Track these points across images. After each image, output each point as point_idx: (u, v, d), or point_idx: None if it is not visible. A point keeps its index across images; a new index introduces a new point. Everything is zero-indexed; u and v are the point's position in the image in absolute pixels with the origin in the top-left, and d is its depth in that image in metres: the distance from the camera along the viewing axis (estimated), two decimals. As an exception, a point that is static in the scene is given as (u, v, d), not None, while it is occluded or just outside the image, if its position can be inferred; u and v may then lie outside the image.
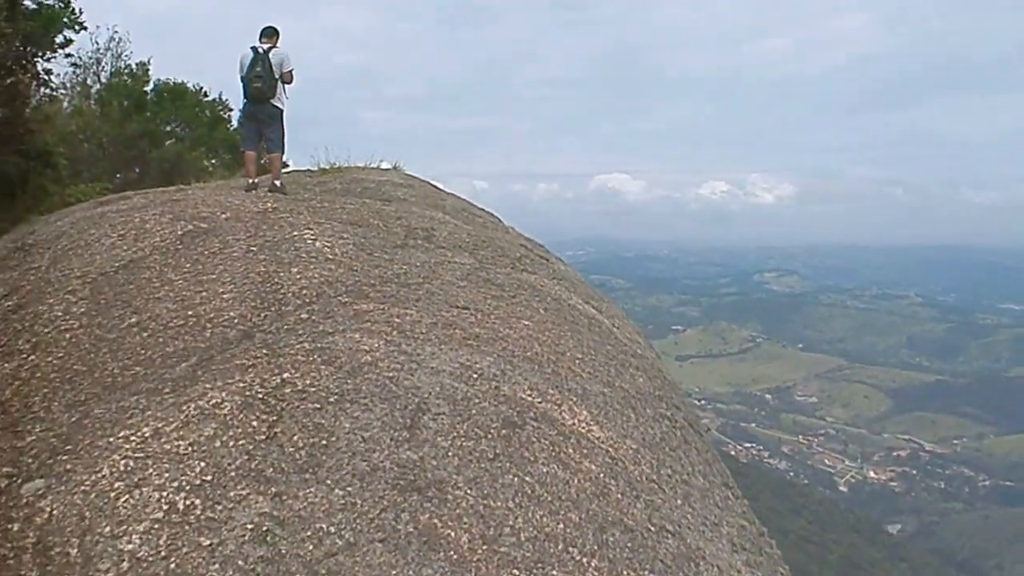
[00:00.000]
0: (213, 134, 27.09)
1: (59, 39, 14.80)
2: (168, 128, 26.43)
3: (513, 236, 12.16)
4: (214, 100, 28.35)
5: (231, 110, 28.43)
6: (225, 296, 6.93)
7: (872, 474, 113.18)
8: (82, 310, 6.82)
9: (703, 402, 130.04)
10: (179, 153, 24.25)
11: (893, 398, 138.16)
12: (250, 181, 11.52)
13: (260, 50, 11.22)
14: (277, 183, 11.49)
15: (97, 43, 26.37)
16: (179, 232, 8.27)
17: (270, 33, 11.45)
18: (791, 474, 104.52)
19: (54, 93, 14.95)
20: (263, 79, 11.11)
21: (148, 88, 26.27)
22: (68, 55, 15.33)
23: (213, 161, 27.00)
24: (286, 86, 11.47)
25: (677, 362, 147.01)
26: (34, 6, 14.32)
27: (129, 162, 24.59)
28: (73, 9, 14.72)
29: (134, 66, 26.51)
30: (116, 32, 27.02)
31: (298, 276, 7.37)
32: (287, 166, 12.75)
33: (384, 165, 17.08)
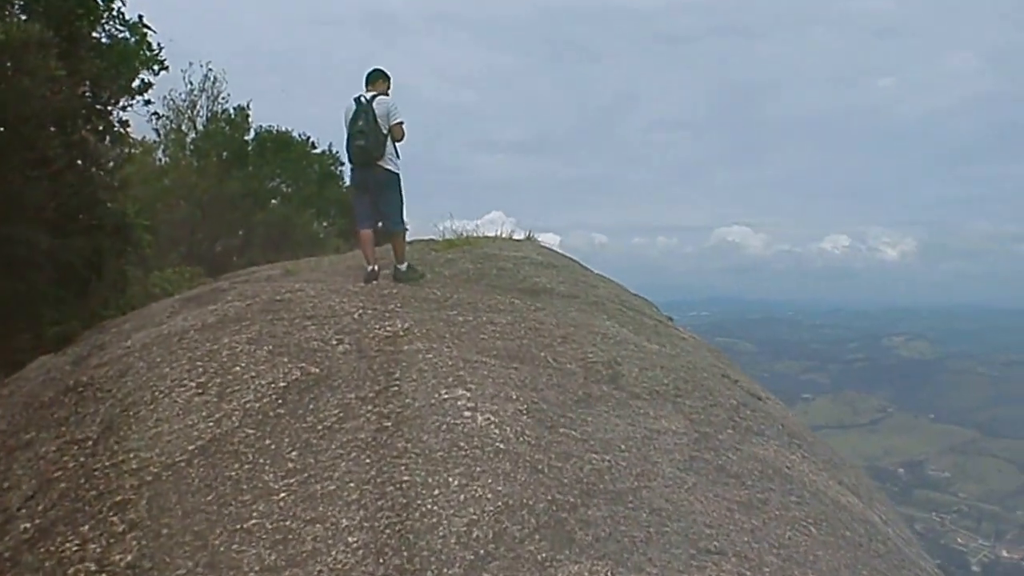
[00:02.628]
0: (323, 193, 24.39)
1: (135, 82, 11.80)
2: (272, 185, 23.67)
3: (695, 347, 9.77)
4: (323, 152, 25.54)
5: (343, 164, 25.67)
6: (351, 541, 4.13)
7: (1005, 553, 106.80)
8: (128, 556, 4.16)
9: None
10: (286, 216, 21.51)
11: None
12: (369, 269, 9.58)
13: (364, 100, 9.26)
14: (402, 267, 9.69)
15: (191, 83, 23.70)
16: (280, 383, 5.69)
17: (375, 78, 9.58)
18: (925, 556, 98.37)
19: (132, 150, 11.51)
20: (366, 135, 9.12)
21: (248, 137, 23.57)
22: (147, 102, 12.26)
23: (324, 224, 24.28)
24: (396, 144, 9.44)
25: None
26: (105, 40, 11.36)
27: (231, 225, 22.03)
28: (150, 43, 11.69)
29: (232, 111, 23.72)
30: (211, 70, 24.12)
31: (462, 498, 4.44)
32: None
33: (514, 233, 15.79)
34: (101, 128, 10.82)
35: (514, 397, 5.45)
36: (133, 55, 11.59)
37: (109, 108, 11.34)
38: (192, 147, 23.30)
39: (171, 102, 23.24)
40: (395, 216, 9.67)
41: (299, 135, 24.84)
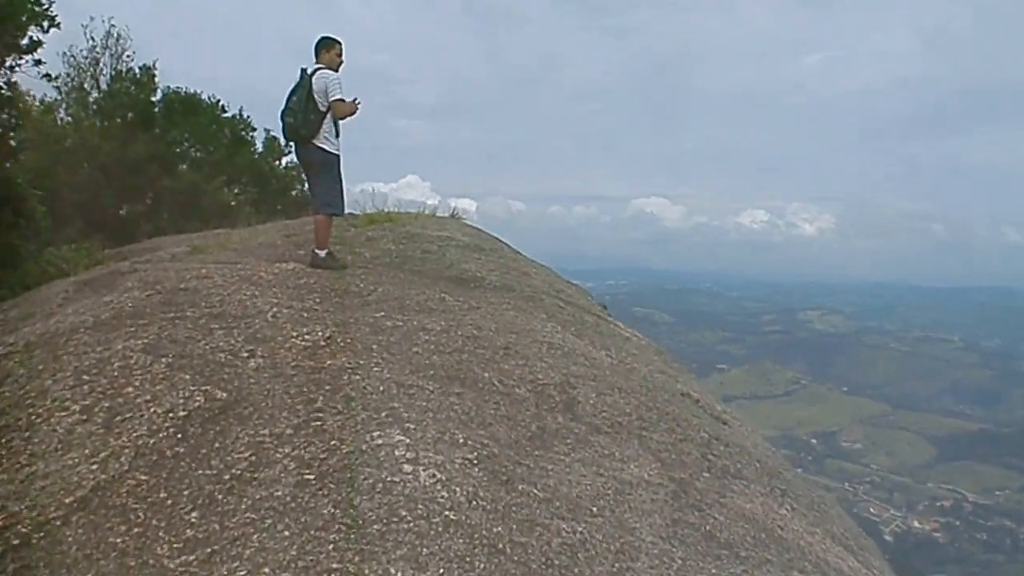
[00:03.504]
0: (234, 159, 23.10)
1: (23, 40, 10.64)
2: (180, 150, 22.36)
3: (641, 350, 8.98)
4: (234, 117, 24.23)
5: (254, 129, 24.53)
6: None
7: (916, 524, 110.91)
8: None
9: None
10: (195, 183, 20.31)
11: (937, 446, 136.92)
12: (316, 253, 9.07)
13: (306, 73, 8.72)
14: (321, 253, 9.00)
15: (93, 39, 22.18)
16: (180, 412, 4.66)
17: (321, 47, 8.92)
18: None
19: (17, 118, 10.34)
20: (295, 113, 8.60)
21: (155, 98, 22.19)
22: (38, 62, 11.08)
23: (235, 192, 23.08)
24: (338, 121, 8.84)
25: (723, 403, 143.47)
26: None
27: (137, 191, 20.73)
28: (38, -1, 10.54)
29: (137, 70, 22.25)
30: (114, 26, 22.59)
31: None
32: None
33: (431, 201, 14.83)
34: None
35: (461, 440, 4.50)
36: (19, 9, 10.43)
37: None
38: (95, 107, 21.88)
39: (72, 59, 21.82)
40: (324, 198, 9.02)
41: (209, 98, 23.58)
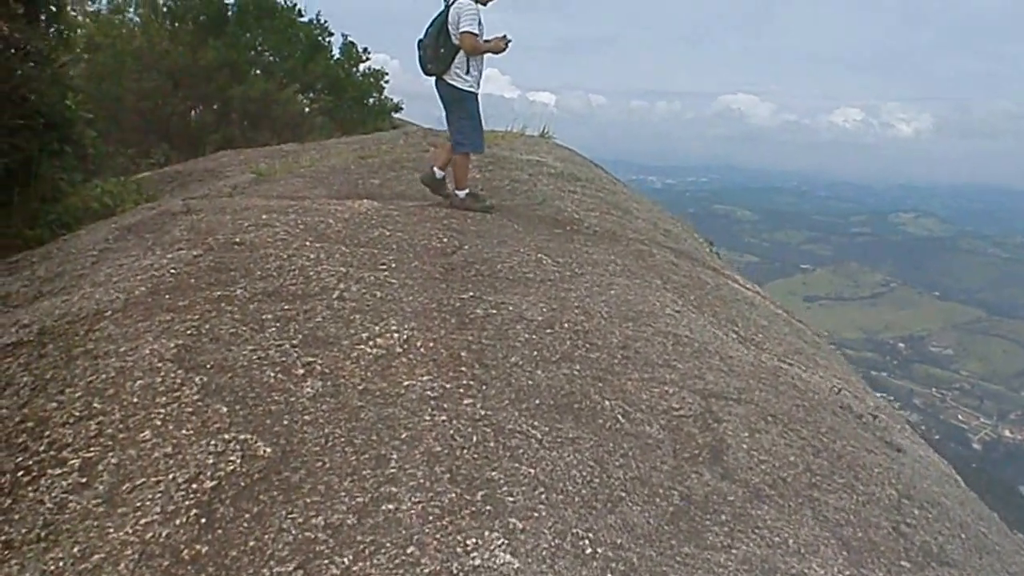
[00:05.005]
0: (309, 66, 21.88)
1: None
2: (252, 55, 21.24)
3: (782, 330, 7.57)
4: (310, 21, 23.03)
5: (331, 35, 23.28)
6: None
7: (1007, 433, 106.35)
8: None
9: (831, 348, 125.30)
10: (267, 91, 19.17)
11: None
12: (429, 169, 8.60)
13: (446, 2, 8.07)
14: (460, 194, 8.42)
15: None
16: (207, 483, 3.40)
17: None
18: (923, 427, 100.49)
19: (65, 31, 9.23)
20: (426, 46, 8.10)
21: (228, 1, 21.06)
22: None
23: (308, 100, 21.96)
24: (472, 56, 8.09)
25: (805, 303, 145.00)
26: None
27: (206, 98, 19.68)
28: None
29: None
30: None
31: None
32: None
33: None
34: (26, 4, 8.55)
35: (587, 548, 3.11)
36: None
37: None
38: (165, 8, 20.82)
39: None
40: (458, 136, 8.36)
41: (284, 1, 22.35)
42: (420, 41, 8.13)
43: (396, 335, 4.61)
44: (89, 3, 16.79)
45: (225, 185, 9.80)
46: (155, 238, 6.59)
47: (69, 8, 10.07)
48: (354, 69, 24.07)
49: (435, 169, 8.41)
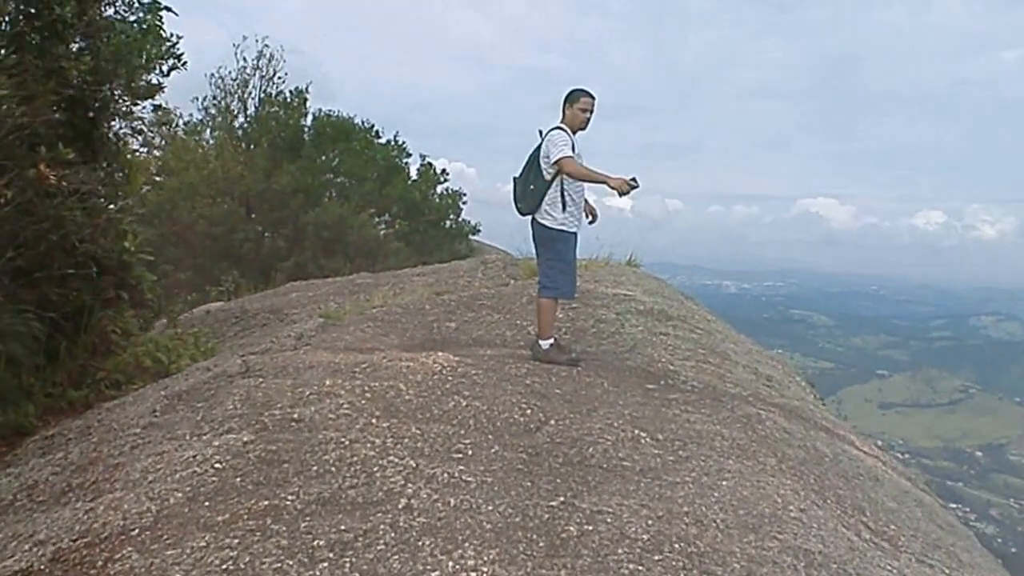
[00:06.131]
0: (385, 190, 21.57)
1: (141, 80, 9.13)
2: (327, 178, 20.99)
3: (932, 533, 6.55)
4: (388, 142, 22.79)
5: (409, 155, 23.05)
6: None
7: None
8: None
9: (907, 455, 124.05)
10: (342, 216, 18.81)
11: None
12: (540, 344, 7.80)
13: (541, 134, 7.55)
14: (543, 344, 7.70)
15: (244, 59, 21.04)
16: None
17: (565, 101, 7.61)
18: (999, 540, 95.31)
19: (124, 171, 8.79)
20: (516, 183, 7.64)
21: (305, 123, 20.92)
22: (157, 107, 9.61)
23: (382, 226, 21.60)
24: (566, 189, 7.45)
25: (880, 410, 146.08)
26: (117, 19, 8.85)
27: (279, 224, 19.36)
28: (161, 29, 9.03)
29: (288, 93, 20.99)
30: (267, 46, 21.39)
31: None
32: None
33: (613, 256, 13.48)
34: (81, 148, 8.12)
35: None
36: (141, 47, 8.91)
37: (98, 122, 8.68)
38: (241, 132, 20.70)
39: (220, 80, 20.74)
40: (543, 279, 7.80)
41: (362, 122, 22.18)
42: (515, 178, 7.68)
43: (472, 562, 3.76)
44: (167, 127, 16.67)
45: (290, 334, 9.16)
46: (206, 410, 5.93)
47: (134, 145, 9.65)
48: (431, 191, 23.80)
49: (540, 342, 7.71)
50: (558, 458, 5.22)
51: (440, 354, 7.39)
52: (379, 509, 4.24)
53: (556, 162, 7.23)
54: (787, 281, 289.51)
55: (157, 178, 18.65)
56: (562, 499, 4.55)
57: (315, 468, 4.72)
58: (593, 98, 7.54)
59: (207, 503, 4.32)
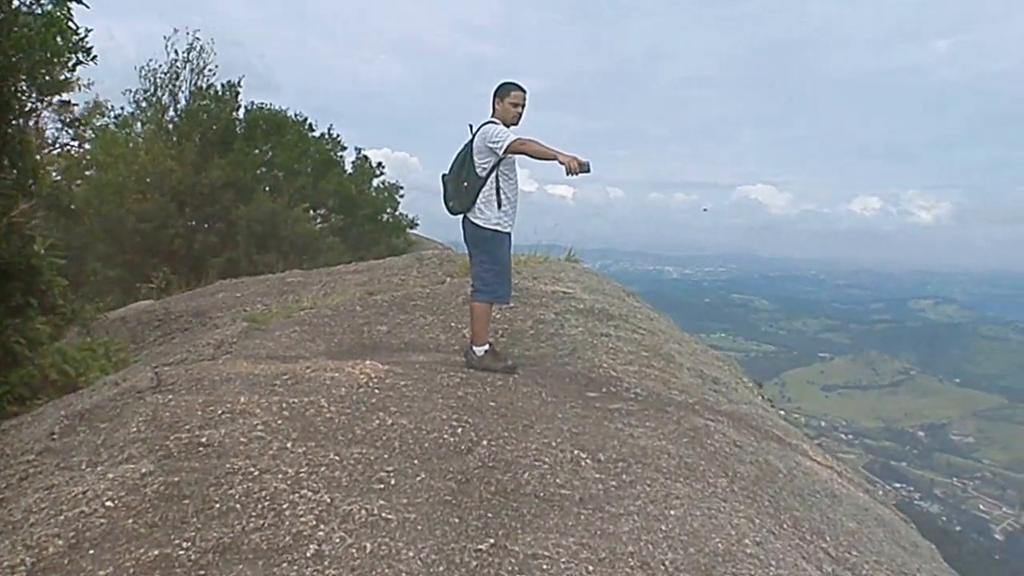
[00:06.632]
0: (320, 183, 20.99)
1: (46, 75, 8.54)
2: (260, 173, 20.38)
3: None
4: (323, 136, 22.23)
5: (344, 148, 22.50)
6: None
7: None
8: None
9: (850, 437, 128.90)
10: (274, 211, 18.18)
11: None
12: (473, 351, 7.38)
13: (472, 130, 7.16)
14: (478, 351, 7.30)
15: (175, 51, 20.40)
16: None
17: (495, 95, 7.22)
18: (943, 519, 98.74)
19: (29, 173, 8.18)
20: (449, 181, 7.18)
21: (237, 117, 20.29)
22: (63, 103, 9.01)
23: (318, 221, 21.03)
24: (501, 187, 7.07)
25: (823, 392, 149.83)
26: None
27: (211, 219, 18.73)
28: (69, 22, 8.42)
29: (220, 86, 20.39)
30: (197, 39, 20.82)
31: None
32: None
33: (548, 250, 13.04)
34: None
35: None
36: (40, 42, 8.31)
37: None
38: (171, 125, 20.04)
39: (151, 73, 20.08)
40: (476, 282, 7.36)
41: (295, 115, 21.59)
42: (443, 176, 7.24)
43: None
44: (81, 126, 16.02)
45: (211, 341, 8.61)
46: (108, 432, 5.39)
47: (44, 144, 9.03)
48: (368, 184, 23.27)
49: (475, 349, 7.29)
50: (490, 486, 4.76)
51: (368, 362, 6.92)
52: (285, 558, 3.76)
53: (509, 146, 6.80)
54: (728, 266, 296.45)
55: (87, 173, 18.00)
56: (492, 541, 4.09)
57: (218, 506, 4.23)
58: (524, 91, 7.11)
59: (91, 552, 3.82)
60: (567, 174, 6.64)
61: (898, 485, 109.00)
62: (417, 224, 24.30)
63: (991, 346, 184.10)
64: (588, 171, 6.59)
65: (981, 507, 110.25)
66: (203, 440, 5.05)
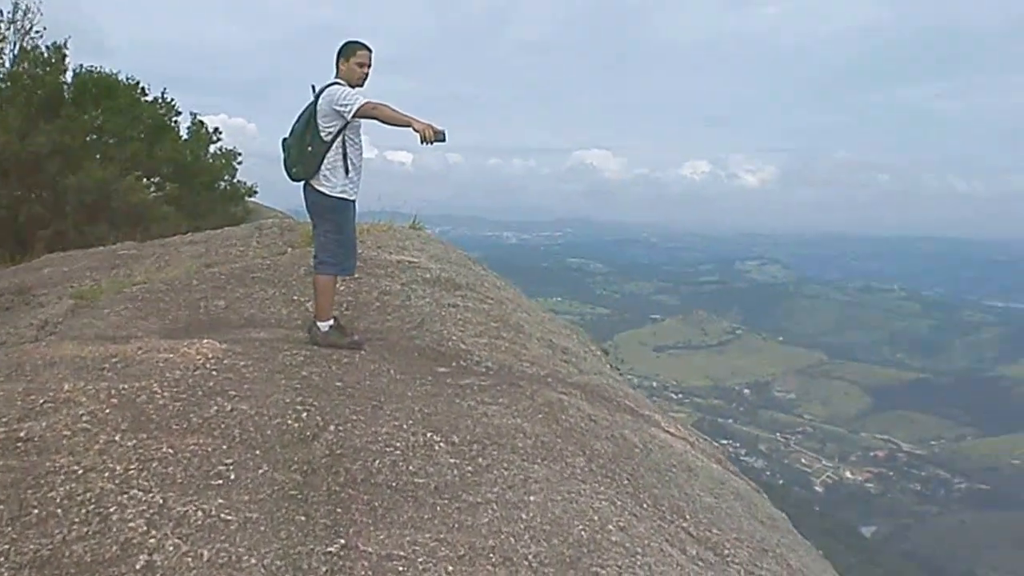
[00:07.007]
0: (154, 150, 20.02)
1: None
2: (89, 140, 19.30)
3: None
4: (156, 100, 21.26)
5: (179, 114, 21.60)
6: None
7: (848, 474, 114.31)
8: None
9: (680, 396, 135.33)
10: (105, 181, 17.21)
11: (873, 396, 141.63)
12: (318, 326, 6.97)
13: (314, 91, 6.70)
14: (323, 327, 6.91)
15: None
16: None
17: (340, 55, 6.79)
18: (767, 473, 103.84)
19: None
20: (291, 146, 6.68)
21: (65, 80, 19.16)
22: None
23: (152, 190, 20.08)
24: (348, 153, 6.71)
25: (655, 353, 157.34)
26: None
27: (35, 188, 17.62)
28: None
29: (45, 49, 19.16)
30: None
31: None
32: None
33: (391, 218, 12.75)
34: None
35: None
36: None
37: None
38: (-6, 89, 18.82)
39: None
40: (321, 254, 6.95)
41: (127, 78, 20.53)
42: (284, 140, 6.74)
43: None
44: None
45: (33, 321, 7.98)
46: None
47: None
48: (204, 151, 22.38)
49: (319, 324, 6.91)
50: (339, 477, 4.47)
51: (205, 341, 6.48)
52: (111, 572, 3.40)
53: (359, 110, 6.44)
54: (564, 230, 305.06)
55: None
56: (343, 542, 3.80)
57: (36, 511, 3.81)
58: (370, 51, 6.76)
59: None
60: (421, 142, 6.33)
61: (725, 441, 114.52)
62: (256, 192, 23.48)
63: (812, 305, 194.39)
64: (443, 140, 6.33)
65: (803, 461, 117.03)
66: (22, 435, 4.58)
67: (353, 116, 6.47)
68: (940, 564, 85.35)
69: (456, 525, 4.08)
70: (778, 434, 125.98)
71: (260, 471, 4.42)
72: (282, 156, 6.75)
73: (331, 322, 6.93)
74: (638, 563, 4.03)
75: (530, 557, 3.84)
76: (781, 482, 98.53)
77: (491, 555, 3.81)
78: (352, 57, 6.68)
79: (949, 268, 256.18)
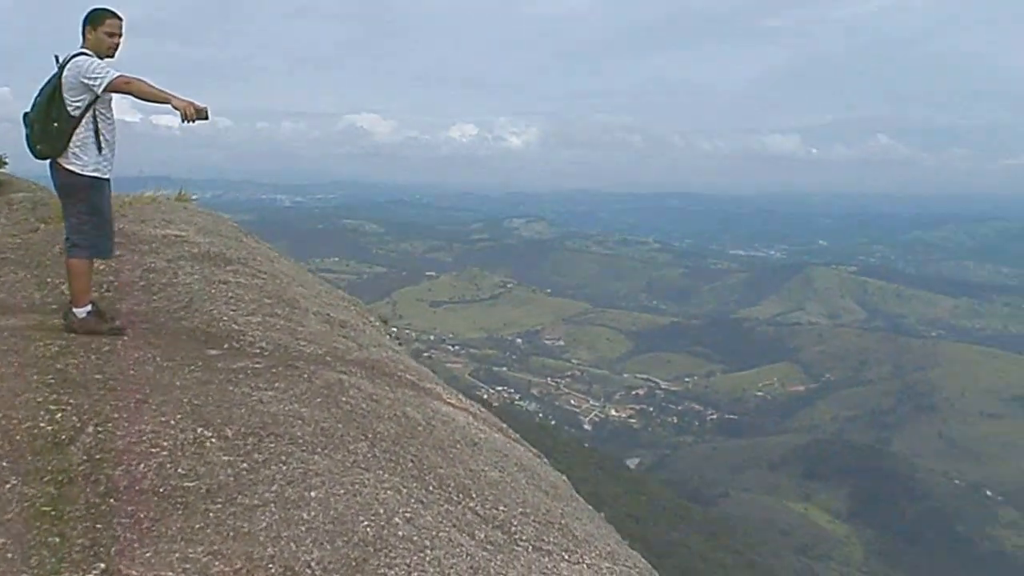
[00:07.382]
0: None
1: None
2: None
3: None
4: None
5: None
6: None
7: (613, 412, 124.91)
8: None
9: (457, 348, 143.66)
10: None
11: (633, 340, 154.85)
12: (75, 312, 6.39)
13: (58, 62, 6.10)
14: (80, 313, 6.33)
15: None
16: None
17: (87, 22, 6.18)
18: (540, 415, 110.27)
19: None
20: (34, 121, 6.08)
21: None
22: None
23: None
24: (100, 128, 6.18)
25: (431, 308, 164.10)
26: None
27: None
28: None
29: None
30: None
31: None
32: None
33: (157, 184, 12.09)
34: None
35: None
36: None
37: None
38: None
39: None
40: (74, 236, 6.38)
41: None
42: (26, 115, 6.16)
43: None
44: None
45: None
46: None
47: None
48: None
49: (76, 311, 6.34)
50: (99, 486, 4.02)
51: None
52: None
53: (111, 84, 5.91)
54: (338, 192, 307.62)
55: None
56: (103, 566, 3.38)
57: None
58: (121, 19, 6.22)
59: None
60: (182, 120, 5.94)
61: (500, 388, 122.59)
62: (6, 163, 21.65)
63: (576, 258, 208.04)
64: (206, 118, 5.98)
65: (572, 402, 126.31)
66: None
67: (103, 91, 5.93)
68: (696, 488, 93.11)
69: (232, 533, 3.75)
70: (549, 379, 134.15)
71: (7, 485, 3.94)
72: (25, 132, 6.19)
73: (89, 307, 6.37)
74: (427, 559, 3.84)
75: (313, 564, 3.58)
76: (553, 423, 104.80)
77: (270, 565, 3.52)
78: (100, 26, 6.13)
79: (696, 221, 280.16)
